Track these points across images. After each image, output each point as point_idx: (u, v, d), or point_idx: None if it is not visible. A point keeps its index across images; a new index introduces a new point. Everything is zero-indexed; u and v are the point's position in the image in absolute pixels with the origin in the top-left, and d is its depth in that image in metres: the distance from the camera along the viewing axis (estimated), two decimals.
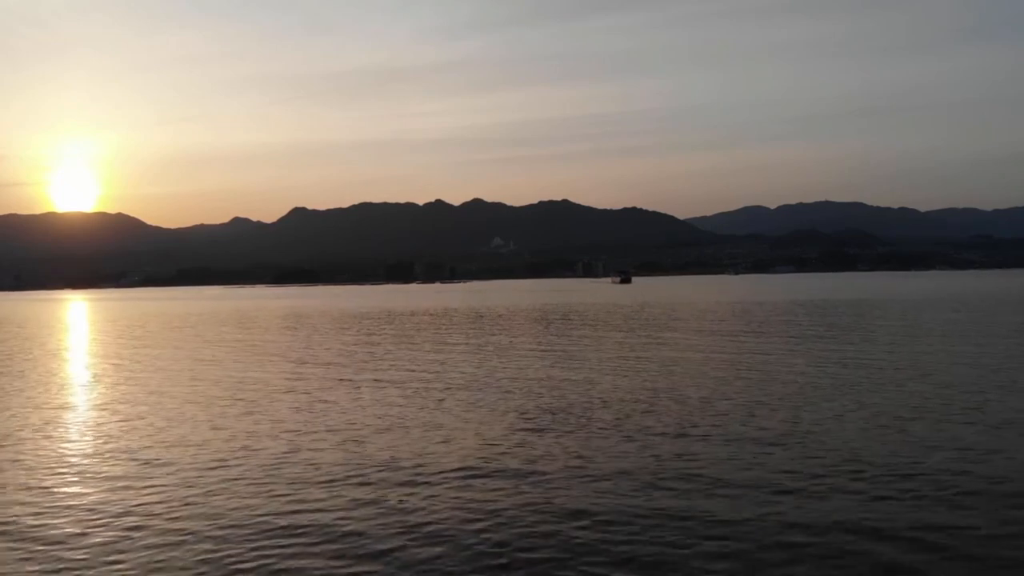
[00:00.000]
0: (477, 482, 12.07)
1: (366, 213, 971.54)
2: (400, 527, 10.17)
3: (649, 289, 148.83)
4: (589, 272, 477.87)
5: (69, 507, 11.38)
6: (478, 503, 11.04)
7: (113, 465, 13.81)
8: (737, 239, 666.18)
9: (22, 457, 14.62)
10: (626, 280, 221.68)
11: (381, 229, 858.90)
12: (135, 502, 11.50)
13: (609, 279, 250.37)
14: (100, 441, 15.88)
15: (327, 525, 10.29)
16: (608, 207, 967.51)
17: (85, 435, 16.59)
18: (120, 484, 12.51)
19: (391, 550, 9.43)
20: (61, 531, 10.37)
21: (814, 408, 17.71)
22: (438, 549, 9.43)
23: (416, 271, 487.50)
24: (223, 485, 12.26)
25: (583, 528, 9.98)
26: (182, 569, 9.03)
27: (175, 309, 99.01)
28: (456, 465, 13.07)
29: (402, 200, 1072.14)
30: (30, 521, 10.79)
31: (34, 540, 10.05)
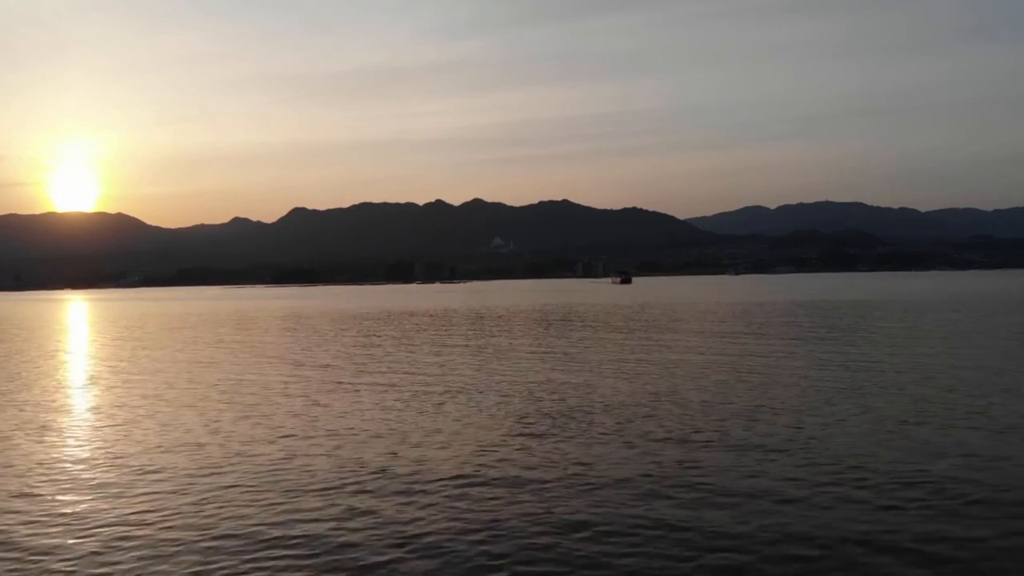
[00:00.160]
0: (475, 490, 11.84)
1: (366, 213, 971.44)
2: (396, 538, 9.94)
3: (649, 289, 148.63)
4: (589, 272, 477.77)
5: (58, 515, 11.15)
6: (476, 513, 10.82)
7: (105, 471, 13.58)
8: (737, 239, 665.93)
9: (14, 462, 14.40)
10: (626, 280, 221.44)
11: (381, 229, 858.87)
12: (126, 510, 11.27)
13: (609, 279, 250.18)
14: (93, 446, 15.66)
15: (321, 536, 10.06)
16: (608, 207, 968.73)
17: (79, 440, 16.36)
18: (111, 491, 12.28)
19: (386, 563, 9.21)
20: (48, 541, 10.14)
21: (817, 412, 17.49)
22: (434, 562, 9.20)
23: (416, 271, 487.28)
24: (216, 493, 12.04)
25: (583, 540, 9.75)
26: None
27: (174, 310, 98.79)
28: (454, 472, 12.84)
29: (402, 200, 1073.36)
30: (18, 530, 10.56)
31: (20, 549, 9.83)
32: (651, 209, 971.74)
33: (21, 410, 20.34)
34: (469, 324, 54.04)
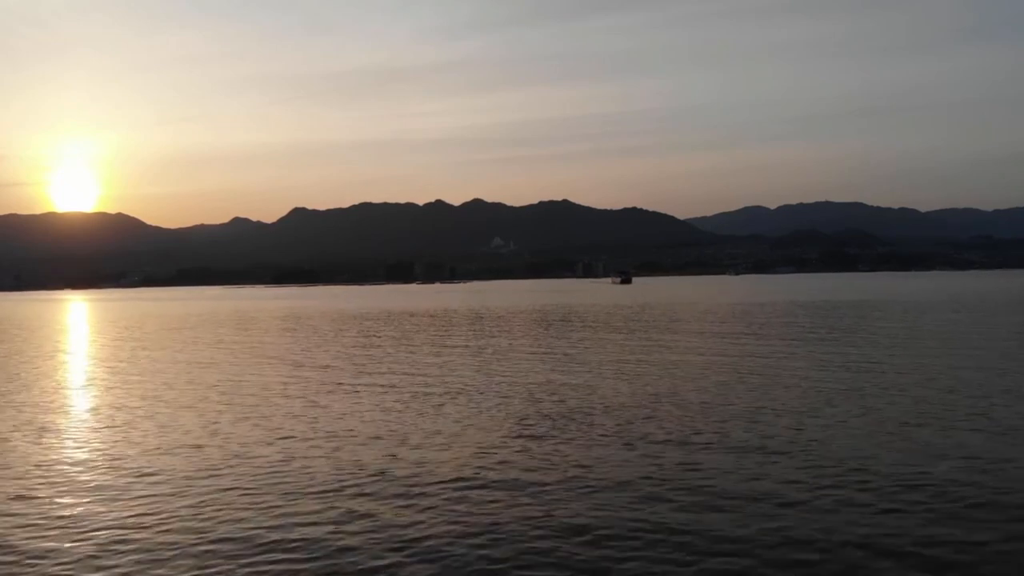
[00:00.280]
0: (475, 493, 11.77)
1: (366, 213, 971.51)
2: (395, 542, 9.87)
3: (649, 290, 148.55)
4: (589, 272, 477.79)
5: (55, 518, 11.08)
6: (476, 516, 10.74)
7: (103, 474, 13.51)
8: (737, 239, 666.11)
9: (11, 464, 14.34)
10: (626, 280, 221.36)
11: (381, 229, 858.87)
12: (123, 513, 11.20)
13: (609, 279, 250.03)
14: (91, 448, 15.59)
15: (319, 539, 9.99)
16: (608, 207, 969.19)
17: (77, 441, 16.28)
18: (109, 494, 12.21)
19: (385, 567, 9.14)
20: (45, 544, 10.07)
21: (817, 414, 17.42)
22: (433, 566, 9.14)
23: (416, 271, 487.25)
24: (214, 495, 11.97)
25: (584, 544, 9.68)
26: None
27: (174, 310, 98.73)
28: (453, 475, 12.77)
29: (402, 200, 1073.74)
30: (14, 532, 10.49)
31: (16, 552, 9.76)
32: (651, 209, 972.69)
33: (20, 411, 20.27)
34: (469, 324, 53.97)
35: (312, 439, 15.89)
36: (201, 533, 10.32)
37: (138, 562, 9.40)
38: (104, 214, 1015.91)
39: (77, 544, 10.06)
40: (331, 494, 11.92)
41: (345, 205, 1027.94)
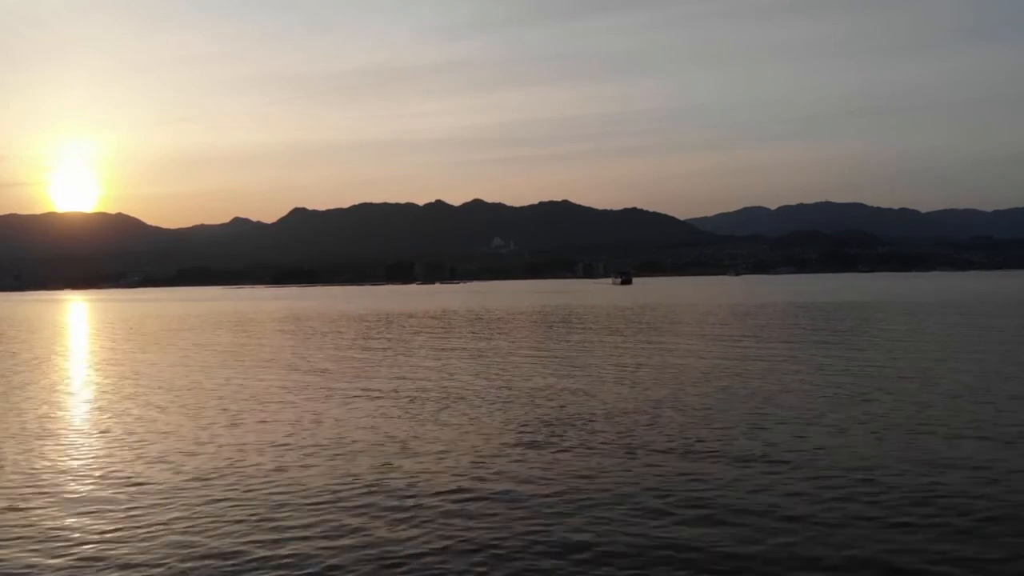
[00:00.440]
0: (472, 506, 11.43)
1: (366, 213, 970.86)
2: (388, 559, 9.53)
3: (650, 290, 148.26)
4: (589, 273, 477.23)
5: (36, 530, 10.73)
6: (473, 531, 10.39)
7: (89, 483, 13.16)
8: (737, 240, 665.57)
9: None
10: (627, 281, 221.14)
11: (381, 229, 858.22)
12: (107, 525, 10.85)
13: (609, 280, 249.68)
14: (79, 456, 15.24)
15: (309, 556, 9.65)
16: (608, 207, 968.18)
17: (65, 449, 15.93)
18: (93, 505, 11.86)
19: None
20: (22, 558, 9.74)
21: (821, 420, 17.09)
22: None
23: (416, 271, 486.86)
24: (203, 507, 11.63)
25: (584, 562, 9.32)
26: None
27: (173, 311, 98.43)
28: (451, 486, 12.43)
29: (402, 200, 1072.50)
30: None
31: None
32: (651, 209, 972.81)
33: (8, 416, 19.91)
34: (468, 326, 53.65)
35: (307, 447, 15.56)
36: (187, 547, 9.99)
37: None
38: (104, 214, 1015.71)
39: (58, 559, 9.73)
40: (324, 506, 11.59)
41: (345, 205, 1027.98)
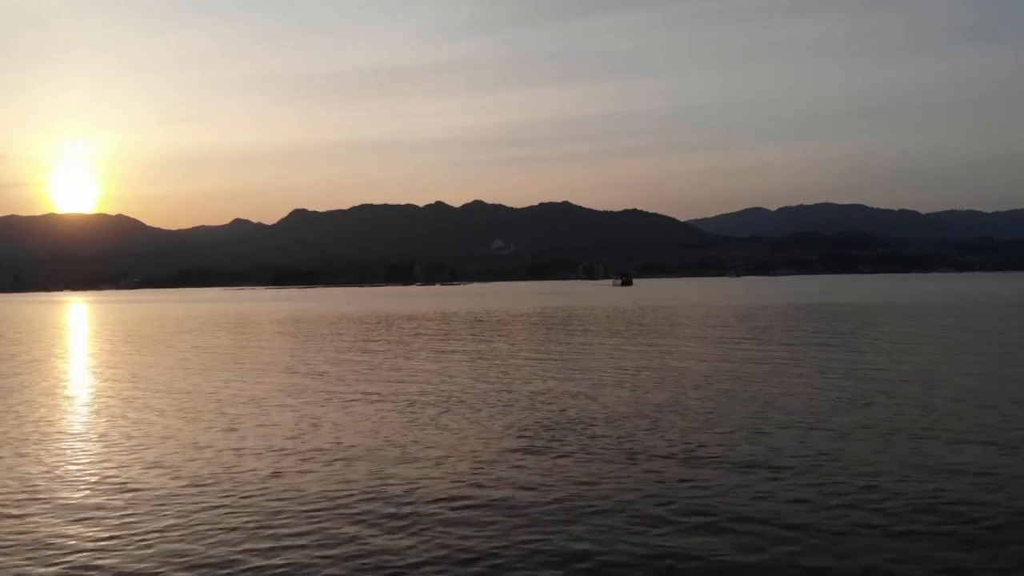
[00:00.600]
0: (470, 514, 11.26)
1: (366, 214, 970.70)
2: (384, 570, 9.37)
3: (650, 292, 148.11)
4: (590, 274, 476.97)
5: (26, 538, 10.56)
6: (470, 541, 10.23)
7: (81, 489, 13.00)
8: (738, 241, 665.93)
9: None
10: (627, 282, 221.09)
11: (381, 230, 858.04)
12: (98, 533, 10.69)
13: (610, 281, 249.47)
14: (73, 461, 15.06)
15: (304, 565, 9.49)
16: (609, 208, 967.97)
17: (58, 454, 15.74)
18: (85, 512, 11.70)
19: None
20: (10, 567, 9.57)
21: (824, 425, 16.94)
22: None
23: (416, 273, 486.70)
24: (197, 514, 11.47)
25: (584, 571, 9.16)
26: None
27: (173, 312, 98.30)
28: (449, 494, 12.26)
29: (402, 201, 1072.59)
30: None
31: None
32: (652, 211, 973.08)
33: (1, 421, 19.75)
34: (468, 328, 53.51)
35: (305, 451, 15.41)
36: (181, 556, 9.84)
37: None
38: (104, 215, 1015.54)
39: (51, 567, 9.58)
40: (320, 514, 11.43)
41: (345, 206, 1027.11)
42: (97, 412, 21.01)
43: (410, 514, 11.31)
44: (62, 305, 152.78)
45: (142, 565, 9.61)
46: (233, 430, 17.79)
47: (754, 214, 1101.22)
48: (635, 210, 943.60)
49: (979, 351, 31.41)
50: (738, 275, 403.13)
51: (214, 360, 34.42)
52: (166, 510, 11.73)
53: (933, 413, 18.17)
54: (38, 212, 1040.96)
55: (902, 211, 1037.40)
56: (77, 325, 73.87)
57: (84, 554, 10.01)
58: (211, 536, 10.55)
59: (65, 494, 12.81)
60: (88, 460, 15.19)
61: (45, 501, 12.42)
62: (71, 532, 10.87)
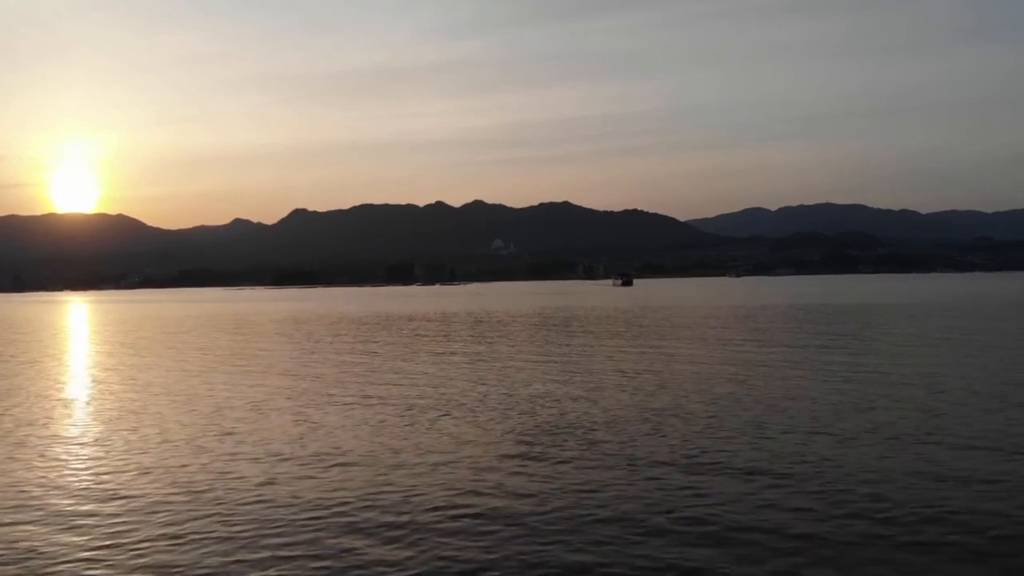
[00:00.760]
0: (468, 524, 11.04)
1: (367, 214, 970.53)
2: None
3: (650, 292, 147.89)
4: (590, 274, 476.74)
5: (12, 548, 10.33)
6: (468, 552, 10.00)
7: (71, 496, 12.77)
8: (738, 241, 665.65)
9: None
10: (627, 282, 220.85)
11: (382, 230, 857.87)
12: (88, 542, 10.46)
13: (610, 281, 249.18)
14: (64, 467, 14.82)
15: None
16: (609, 209, 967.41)
17: (50, 460, 15.48)
18: (75, 520, 11.46)
19: None
20: None
21: (827, 429, 16.73)
22: None
23: (416, 273, 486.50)
24: (188, 523, 11.25)
25: None
26: None
27: (172, 312, 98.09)
28: (446, 502, 12.04)
29: (402, 201, 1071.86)
30: None
31: None
32: (652, 211, 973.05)
33: None
34: (468, 329, 53.30)
35: (300, 457, 15.20)
36: (171, 566, 9.63)
37: None
38: (105, 215, 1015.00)
39: None
40: (315, 522, 11.22)
41: (346, 206, 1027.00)
42: (91, 416, 20.79)
43: (407, 523, 11.10)
44: (62, 305, 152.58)
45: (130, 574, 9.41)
46: (229, 434, 17.58)
47: (754, 214, 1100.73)
48: (635, 210, 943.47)
49: (981, 353, 31.20)
50: (738, 275, 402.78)
51: (212, 362, 34.20)
52: (158, 518, 11.53)
53: (937, 417, 17.97)
54: (38, 212, 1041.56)
55: (902, 211, 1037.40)
56: (76, 326, 73.67)
57: (74, 564, 9.81)
58: (201, 547, 10.34)
59: (56, 501, 12.59)
60: (81, 466, 14.97)
61: (36, 508, 12.21)
62: (61, 541, 10.66)
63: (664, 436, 16.37)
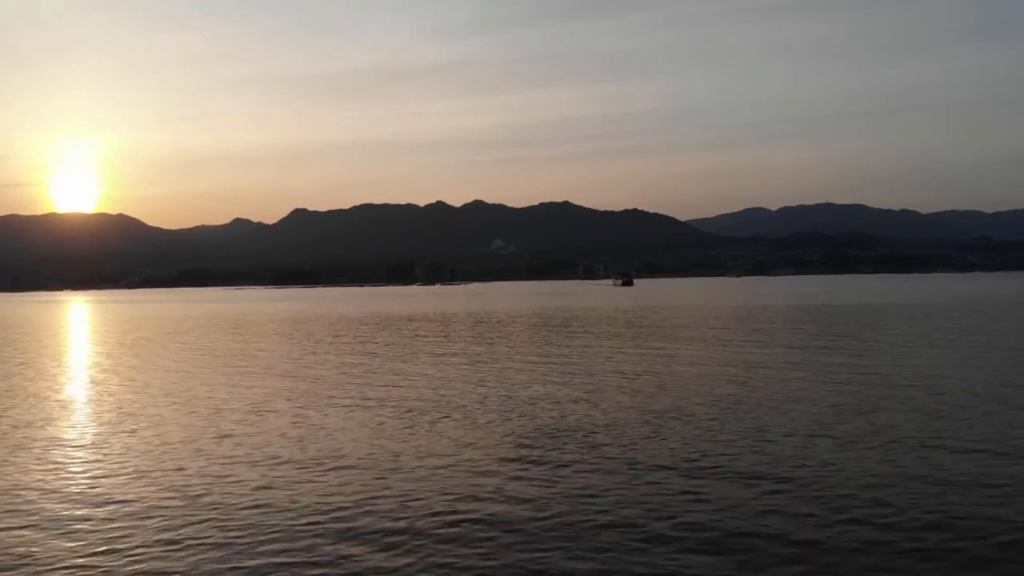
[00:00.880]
0: (466, 530, 10.91)
1: (367, 214, 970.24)
2: None
3: (650, 292, 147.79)
4: (590, 274, 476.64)
5: (4, 554, 10.24)
6: (466, 560, 9.87)
7: (65, 501, 12.65)
8: (738, 241, 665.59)
9: None
10: (627, 282, 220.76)
11: (382, 230, 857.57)
12: (77, 549, 10.35)
13: (610, 281, 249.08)
14: (55, 472, 14.66)
15: None
16: (609, 208, 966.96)
17: (39, 465, 15.30)
18: (68, 525, 11.34)
19: None
20: None
21: (828, 432, 16.62)
22: None
23: (417, 272, 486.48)
24: (185, 529, 11.14)
25: None
26: None
27: (171, 312, 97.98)
28: (445, 507, 11.93)
29: (403, 201, 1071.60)
30: None
31: None
32: (652, 210, 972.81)
33: None
34: (468, 330, 53.20)
35: (297, 461, 15.09)
36: (164, 574, 9.52)
37: None
38: (105, 215, 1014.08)
39: None
40: (311, 528, 11.11)
41: (346, 206, 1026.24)
42: (88, 418, 20.69)
43: (405, 529, 10.99)
44: (62, 305, 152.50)
45: None
46: (227, 437, 17.47)
47: (754, 214, 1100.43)
48: (635, 210, 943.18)
49: (982, 354, 31.10)
50: (738, 275, 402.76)
51: (210, 363, 34.10)
52: (154, 523, 11.42)
53: (939, 420, 17.86)
54: (38, 212, 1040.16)
55: (902, 211, 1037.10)
56: (74, 326, 73.58)
57: (69, 570, 9.71)
58: (199, 552, 10.24)
59: (51, 505, 12.49)
60: (76, 469, 14.86)
61: (31, 513, 12.11)
62: (55, 546, 10.56)
63: (664, 439, 16.27)
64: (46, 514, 12.08)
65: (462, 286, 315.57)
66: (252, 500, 12.51)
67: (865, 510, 11.47)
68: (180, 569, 9.69)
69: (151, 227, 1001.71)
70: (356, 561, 9.88)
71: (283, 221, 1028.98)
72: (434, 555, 10.02)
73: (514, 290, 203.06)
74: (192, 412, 20.98)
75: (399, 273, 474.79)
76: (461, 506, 11.97)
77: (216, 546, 10.47)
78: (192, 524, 11.37)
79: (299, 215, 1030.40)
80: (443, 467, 14.34)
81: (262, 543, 10.54)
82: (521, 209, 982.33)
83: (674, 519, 11.21)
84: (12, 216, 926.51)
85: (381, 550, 10.25)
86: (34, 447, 17.03)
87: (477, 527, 11.03)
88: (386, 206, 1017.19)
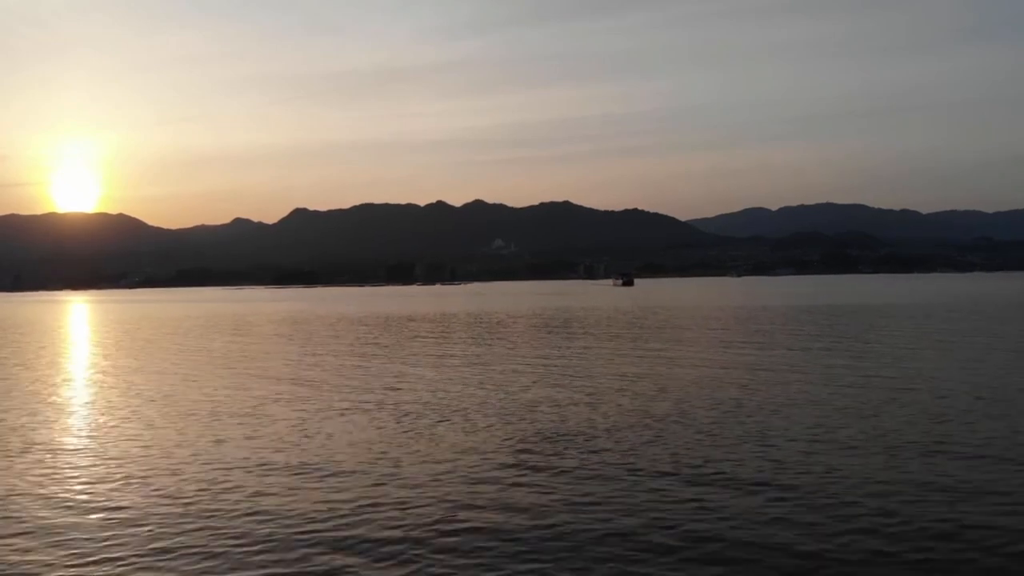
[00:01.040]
0: (463, 540, 10.67)
1: (367, 214, 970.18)
2: None
3: (651, 292, 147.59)
4: (590, 274, 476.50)
5: None
6: (464, 571, 9.65)
7: (55, 508, 12.39)
8: (738, 241, 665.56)
9: None
10: (628, 282, 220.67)
11: (382, 230, 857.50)
12: (66, 558, 10.12)
13: (610, 281, 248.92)
14: (46, 477, 14.42)
15: None
16: (609, 208, 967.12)
17: (30, 470, 15.04)
18: (54, 535, 11.09)
19: None
20: None
21: (831, 437, 16.40)
22: None
23: (417, 272, 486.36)
24: (179, 539, 10.91)
25: None
26: None
27: (171, 312, 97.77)
28: (442, 516, 11.69)
29: (403, 201, 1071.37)
30: None
31: None
32: (652, 210, 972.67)
33: None
34: (468, 331, 52.98)
35: (294, 466, 14.87)
36: None
37: None
38: (105, 214, 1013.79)
39: None
40: (307, 536, 10.89)
41: (346, 206, 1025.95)
42: (83, 422, 20.46)
43: (402, 538, 10.77)
44: (61, 305, 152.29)
45: None
46: (222, 442, 17.24)
47: (754, 214, 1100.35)
48: (635, 210, 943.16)
49: (983, 355, 30.88)
50: (738, 275, 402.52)
51: (207, 365, 33.88)
52: (144, 532, 11.20)
53: (943, 424, 17.64)
54: (38, 211, 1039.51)
55: (902, 211, 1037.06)
56: (74, 326, 73.36)
57: None
58: (192, 562, 10.02)
59: (41, 512, 12.26)
60: (69, 474, 14.63)
61: (20, 520, 11.87)
62: (44, 554, 10.34)
63: (666, 444, 16.04)
64: (36, 521, 11.85)
65: (462, 286, 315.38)
66: (246, 508, 12.29)
67: (871, 519, 11.25)
68: None
69: (151, 227, 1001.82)
70: (350, 571, 9.66)
71: (283, 221, 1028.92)
72: (432, 565, 9.80)
73: (514, 290, 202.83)
74: (189, 416, 20.75)
75: (399, 273, 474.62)
76: (458, 515, 11.74)
77: (209, 555, 10.25)
78: (184, 532, 11.15)
79: (299, 215, 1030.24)
80: (441, 473, 14.12)
81: (255, 553, 10.32)
82: (521, 209, 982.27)
83: (677, 528, 10.99)
84: (12, 216, 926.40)
85: (376, 560, 10.03)
86: (28, 451, 16.78)
87: (476, 536, 10.81)
88: (386, 206, 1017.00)
